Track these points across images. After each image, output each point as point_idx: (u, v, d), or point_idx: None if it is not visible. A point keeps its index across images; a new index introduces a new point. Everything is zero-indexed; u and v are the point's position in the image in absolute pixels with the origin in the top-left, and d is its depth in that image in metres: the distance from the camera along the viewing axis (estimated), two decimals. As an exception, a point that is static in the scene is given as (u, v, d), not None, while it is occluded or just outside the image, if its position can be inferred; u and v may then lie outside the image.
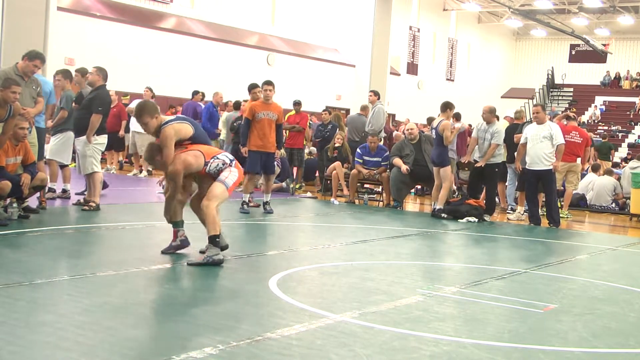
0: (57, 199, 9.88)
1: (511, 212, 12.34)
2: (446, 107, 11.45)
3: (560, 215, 11.49)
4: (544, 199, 11.53)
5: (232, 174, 6.28)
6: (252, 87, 10.66)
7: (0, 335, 3.88)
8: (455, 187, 13.72)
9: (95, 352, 3.70)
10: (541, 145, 10.66)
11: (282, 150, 13.09)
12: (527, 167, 10.87)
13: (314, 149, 16.98)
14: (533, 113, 11.02)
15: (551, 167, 10.67)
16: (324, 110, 16.01)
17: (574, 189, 13.10)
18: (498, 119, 12.72)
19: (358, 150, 12.78)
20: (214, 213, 6.10)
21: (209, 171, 6.26)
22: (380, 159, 12.51)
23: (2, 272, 5.37)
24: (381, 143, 13.39)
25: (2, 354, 3.57)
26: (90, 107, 9.14)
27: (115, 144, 14.94)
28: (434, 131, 11.42)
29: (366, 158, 12.60)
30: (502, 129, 11.73)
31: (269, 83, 10.23)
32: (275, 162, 11.84)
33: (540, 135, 10.68)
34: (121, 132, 15.00)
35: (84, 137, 9.15)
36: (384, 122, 14.09)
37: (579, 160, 12.94)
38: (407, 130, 12.65)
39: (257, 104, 10.25)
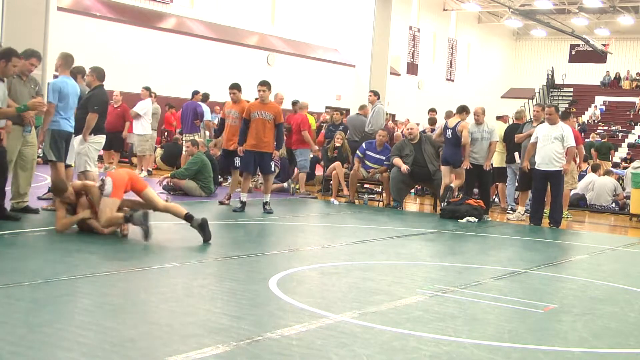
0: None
1: (511, 212, 12.33)
2: (463, 109, 11.66)
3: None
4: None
5: (107, 184, 7.25)
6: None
7: (0, 335, 3.88)
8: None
9: (95, 352, 3.70)
10: (552, 146, 10.61)
11: (283, 150, 13.02)
12: (536, 167, 10.79)
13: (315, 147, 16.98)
14: (546, 114, 10.86)
15: (561, 168, 10.64)
16: (335, 112, 16.01)
17: (571, 188, 13.09)
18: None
19: (363, 145, 12.75)
20: (108, 216, 7.15)
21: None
22: (383, 158, 12.50)
23: (2, 272, 5.37)
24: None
25: (2, 354, 3.57)
26: (86, 106, 9.23)
27: (116, 143, 14.93)
28: (450, 131, 11.44)
29: (370, 153, 12.57)
30: (495, 127, 11.90)
31: (263, 84, 10.20)
32: (274, 162, 11.83)
33: (551, 136, 10.63)
34: (124, 133, 15.00)
35: (81, 136, 9.24)
36: (383, 122, 14.11)
37: None
38: (407, 130, 12.65)
39: (253, 104, 10.31)
